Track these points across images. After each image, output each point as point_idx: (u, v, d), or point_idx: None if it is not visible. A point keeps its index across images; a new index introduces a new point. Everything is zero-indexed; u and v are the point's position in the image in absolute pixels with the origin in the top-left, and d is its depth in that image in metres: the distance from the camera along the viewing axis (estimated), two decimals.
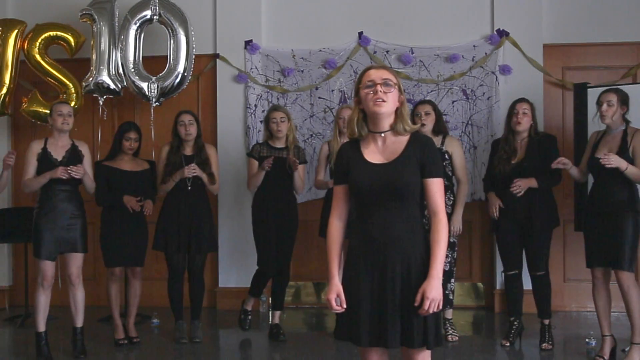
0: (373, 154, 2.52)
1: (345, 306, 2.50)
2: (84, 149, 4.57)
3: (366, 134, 2.53)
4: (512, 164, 4.53)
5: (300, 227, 5.13)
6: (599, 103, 4.23)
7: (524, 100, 4.62)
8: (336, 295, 2.51)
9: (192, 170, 4.71)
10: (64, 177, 4.31)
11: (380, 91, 2.44)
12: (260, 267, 4.98)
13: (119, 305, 4.90)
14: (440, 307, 2.41)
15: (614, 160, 4.00)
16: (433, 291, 2.38)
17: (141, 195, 4.81)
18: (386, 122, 2.50)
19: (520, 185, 4.46)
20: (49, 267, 4.37)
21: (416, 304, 2.39)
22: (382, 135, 2.51)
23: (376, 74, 2.49)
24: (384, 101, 2.45)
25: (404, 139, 2.51)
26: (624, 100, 4.18)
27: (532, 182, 4.47)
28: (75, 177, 4.33)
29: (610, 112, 4.15)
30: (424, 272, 2.44)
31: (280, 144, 4.93)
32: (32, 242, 4.43)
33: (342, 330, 2.56)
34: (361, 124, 2.53)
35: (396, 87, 2.48)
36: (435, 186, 2.48)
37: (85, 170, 4.42)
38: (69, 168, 4.31)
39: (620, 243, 4.06)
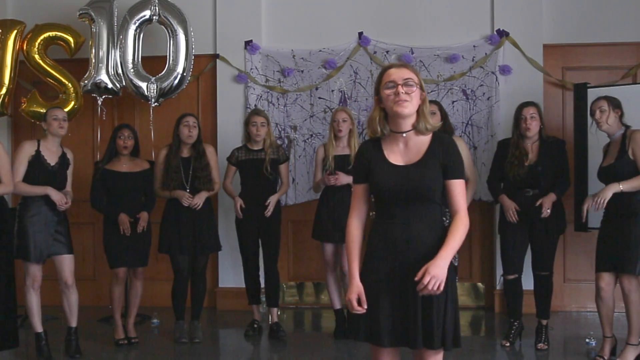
0: (395, 155, 2.50)
1: (366, 307, 2.46)
2: (70, 157, 4.60)
3: (388, 133, 2.52)
4: (525, 166, 4.51)
5: (299, 227, 5.15)
6: (591, 113, 4.24)
7: (530, 104, 4.60)
8: (357, 295, 2.47)
9: (193, 203, 4.73)
10: (57, 205, 4.34)
11: (402, 92, 2.42)
12: (245, 268, 5.06)
13: (121, 306, 4.90)
14: (442, 288, 2.35)
15: (605, 197, 4.01)
16: (436, 269, 2.35)
17: (140, 197, 4.83)
18: (408, 122, 2.48)
19: (548, 209, 4.45)
20: (37, 270, 4.38)
21: (416, 279, 2.35)
22: (404, 135, 2.49)
23: (397, 74, 2.45)
24: (406, 101, 2.42)
25: (426, 139, 2.49)
26: (615, 104, 4.17)
27: (553, 198, 4.48)
28: (60, 209, 4.37)
29: (604, 117, 4.15)
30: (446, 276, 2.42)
31: (257, 147, 4.96)
32: (16, 244, 4.35)
33: (361, 331, 2.52)
34: (383, 122, 2.51)
35: (418, 85, 2.45)
36: (458, 187, 2.47)
37: (69, 201, 4.46)
38: (60, 204, 4.34)
39: (628, 246, 4.03)
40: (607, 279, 4.16)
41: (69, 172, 4.58)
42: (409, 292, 2.42)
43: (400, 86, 2.42)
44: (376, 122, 2.51)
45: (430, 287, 2.33)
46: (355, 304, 2.46)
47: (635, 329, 4.11)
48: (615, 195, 4.06)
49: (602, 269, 4.18)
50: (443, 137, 2.53)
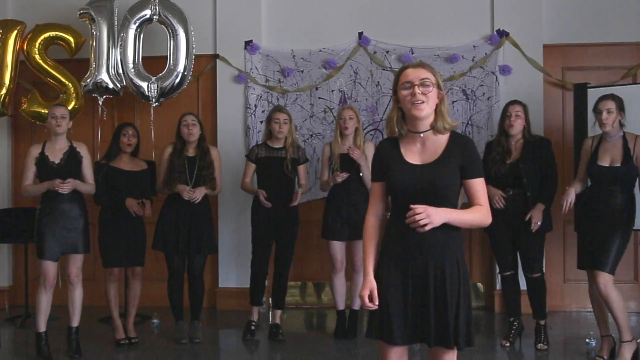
0: (412, 155, 2.51)
1: (377, 303, 2.48)
2: (82, 150, 4.57)
3: (406, 133, 2.52)
4: (507, 164, 4.54)
5: (300, 227, 5.13)
6: (597, 111, 4.21)
7: (516, 102, 4.62)
8: (369, 292, 2.50)
9: (192, 196, 4.71)
10: (61, 192, 4.32)
11: (419, 92, 2.42)
12: (254, 267, 4.97)
13: (118, 305, 4.90)
14: (426, 229, 2.34)
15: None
16: (434, 211, 2.35)
17: (140, 196, 4.83)
18: (426, 122, 2.48)
19: (538, 222, 4.46)
20: (51, 268, 4.38)
21: (413, 206, 2.35)
22: (422, 135, 2.49)
23: (414, 74, 2.45)
24: (423, 102, 2.42)
25: (444, 139, 2.49)
26: (621, 106, 4.18)
27: (541, 209, 4.48)
28: (62, 192, 4.32)
29: (610, 119, 4.14)
30: (458, 274, 2.45)
31: (278, 144, 4.92)
32: (35, 243, 4.44)
33: (374, 329, 2.54)
34: (400, 123, 2.52)
35: (435, 85, 2.45)
36: (478, 185, 2.48)
37: (75, 182, 4.39)
38: (57, 184, 4.29)
39: (607, 246, 4.08)
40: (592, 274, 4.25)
41: (86, 164, 4.55)
42: (422, 292, 2.44)
43: (416, 87, 2.43)
44: (394, 122, 2.52)
45: (417, 217, 2.33)
46: (367, 300, 2.50)
47: (624, 326, 4.14)
48: (604, 198, 4.14)
49: (584, 266, 4.28)
50: (460, 137, 2.53)
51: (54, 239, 4.37)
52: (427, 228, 2.35)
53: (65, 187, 4.32)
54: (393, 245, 2.50)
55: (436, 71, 2.51)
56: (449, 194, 2.45)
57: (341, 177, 4.71)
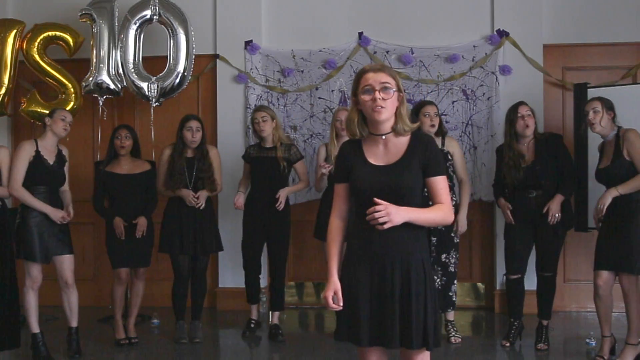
0: (375, 156, 2.50)
1: (342, 304, 2.49)
2: (66, 153, 4.59)
3: (367, 135, 2.52)
4: (522, 168, 4.50)
5: (299, 228, 5.13)
6: (585, 113, 4.24)
7: (524, 103, 4.61)
8: (333, 293, 2.50)
9: (196, 202, 4.72)
10: (58, 221, 4.35)
11: (379, 98, 2.41)
12: (245, 268, 4.99)
13: (122, 306, 4.90)
14: (384, 227, 2.33)
15: (604, 203, 4.04)
16: (395, 210, 2.33)
17: (140, 197, 4.84)
18: (386, 125, 2.48)
19: (556, 215, 4.42)
20: (38, 270, 4.37)
21: (376, 200, 2.35)
22: (384, 137, 2.49)
23: (374, 78, 2.44)
24: (383, 107, 2.42)
25: (405, 140, 2.50)
26: (608, 106, 4.18)
27: (560, 200, 4.44)
28: (62, 222, 4.37)
29: (597, 118, 4.15)
30: (424, 275, 2.44)
31: (269, 144, 4.92)
32: (20, 245, 4.34)
33: (342, 331, 2.55)
34: (361, 125, 2.51)
35: (395, 89, 2.45)
36: (440, 184, 2.48)
37: (70, 212, 4.47)
38: (61, 221, 4.35)
39: (628, 246, 4.04)
40: (605, 277, 4.17)
41: (66, 168, 4.56)
42: (387, 294, 2.43)
43: (377, 91, 2.42)
44: (355, 125, 2.51)
45: (377, 215, 2.32)
46: (330, 301, 2.49)
47: (635, 329, 4.12)
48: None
49: (600, 267, 4.19)
50: (422, 136, 2.54)
51: (46, 242, 4.35)
52: (386, 226, 2.34)
53: (68, 220, 4.41)
54: (358, 246, 2.50)
55: (396, 74, 2.50)
56: (412, 195, 2.45)
57: (325, 167, 4.69)
